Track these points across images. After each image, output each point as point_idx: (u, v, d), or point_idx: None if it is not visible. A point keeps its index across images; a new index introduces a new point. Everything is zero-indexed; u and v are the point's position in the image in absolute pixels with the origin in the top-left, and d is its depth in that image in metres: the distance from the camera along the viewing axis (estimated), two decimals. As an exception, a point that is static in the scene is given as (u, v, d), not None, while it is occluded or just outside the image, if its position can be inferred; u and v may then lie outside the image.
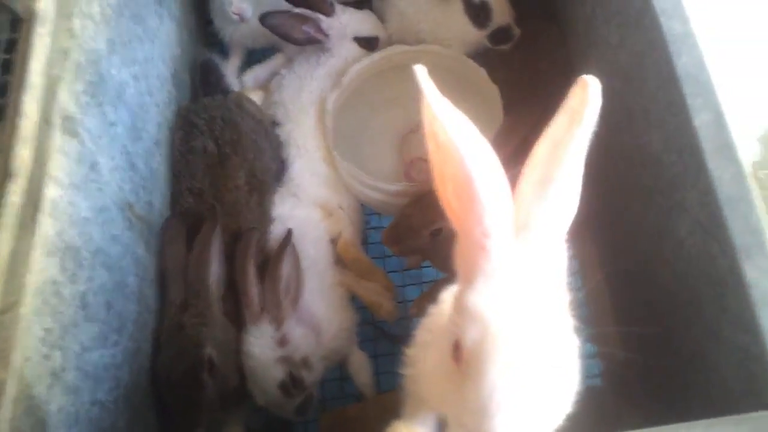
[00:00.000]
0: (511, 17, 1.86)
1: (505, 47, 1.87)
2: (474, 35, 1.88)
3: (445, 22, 1.90)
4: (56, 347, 1.02)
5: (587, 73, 1.64)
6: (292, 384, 1.43)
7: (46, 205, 1.04)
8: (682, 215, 1.25)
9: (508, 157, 1.54)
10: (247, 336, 1.45)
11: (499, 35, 1.87)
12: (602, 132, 1.58)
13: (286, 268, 1.49)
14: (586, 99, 0.88)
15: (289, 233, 1.54)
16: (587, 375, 1.66)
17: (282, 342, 1.45)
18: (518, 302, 0.81)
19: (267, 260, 1.52)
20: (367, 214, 1.92)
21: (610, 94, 1.51)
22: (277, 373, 1.43)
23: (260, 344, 1.44)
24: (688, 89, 1.16)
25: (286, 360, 1.44)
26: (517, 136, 1.58)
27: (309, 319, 1.53)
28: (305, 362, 1.47)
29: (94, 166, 1.22)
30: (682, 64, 1.19)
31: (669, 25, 1.21)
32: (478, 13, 1.85)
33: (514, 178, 1.47)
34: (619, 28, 1.44)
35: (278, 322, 1.46)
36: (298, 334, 1.48)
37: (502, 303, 0.80)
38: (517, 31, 1.86)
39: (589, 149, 1.54)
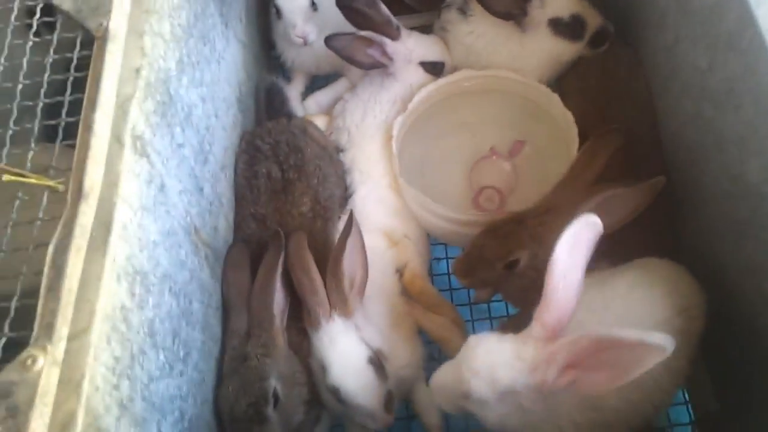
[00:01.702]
0: (601, 17, 1.81)
1: (605, 47, 1.81)
2: (570, 51, 1.82)
3: (523, 52, 1.84)
4: (125, 376, 0.96)
5: (670, 99, 1.57)
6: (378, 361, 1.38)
7: (117, 228, 0.99)
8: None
9: (589, 184, 1.48)
10: (322, 334, 1.40)
11: (598, 38, 1.81)
12: (684, 163, 1.51)
13: (348, 262, 1.42)
14: None
15: (350, 217, 1.46)
16: (674, 423, 1.57)
17: (356, 328, 1.41)
18: None
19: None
20: (432, 244, 1.84)
21: (698, 122, 1.44)
22: (364, 350, 1.38)
23: (338, 332, 1.39)
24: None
25: (365, 342, 1.39)
26: (598, 164, 1.50)
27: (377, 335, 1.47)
28: (379, 353, 1.41)
29: (162, 188, 1.17)
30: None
31: (773, 46, 1.12)
32: (573, 28, 1.79)
33: (590, 211, 1.41)
34: (708, 50, 1.36)
35: (348, 315, 1.41)
36: (368, 328, 1.44)
37: None
38: (612, 28, 1.80)
39: (668, 182, 1.47)
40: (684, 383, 1.33)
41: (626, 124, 1.60)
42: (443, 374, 1.16)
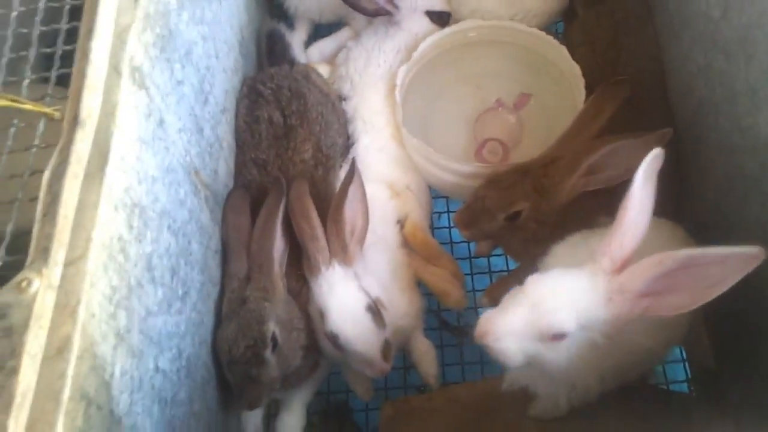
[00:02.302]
0: None
1: None
2: None
3: None
4: (122, 307, 0.95)
5: (680, 51, 1.54)
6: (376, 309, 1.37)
7: (115, 158, 0.97)
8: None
9: (594, 136, 1.46)
10: (321, 281, 1.39)
11: None
12: (692, 117, 1.49)
13: (349, 210, 1.41)
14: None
15: (353, 165, 1.45)
16: (671, 380, 1.57)
17: (356, 276, 1.41)
18: None
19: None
20: (433, 197, 1.83)
21: (708, 74, 1.41)
22: (363, 297, 1.37)
23: (338, 279, 1.39)
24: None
25: (364, 290, 1.39)
26: (603, 116, 1.48)
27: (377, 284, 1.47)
28: (378, 302, 1.40)
29: (161, 123, 1.15)
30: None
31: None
32: None
33: (596, 163, 1.38)
34: (723, -1, 1.33)
35: (348, 263, 1.41)
36: (367, 277, 1.43)
37: None
38: None
39: (675, 137, 1.45)
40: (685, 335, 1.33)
41: (634, 77, 1.58)
42: (509, 319, 1.07)
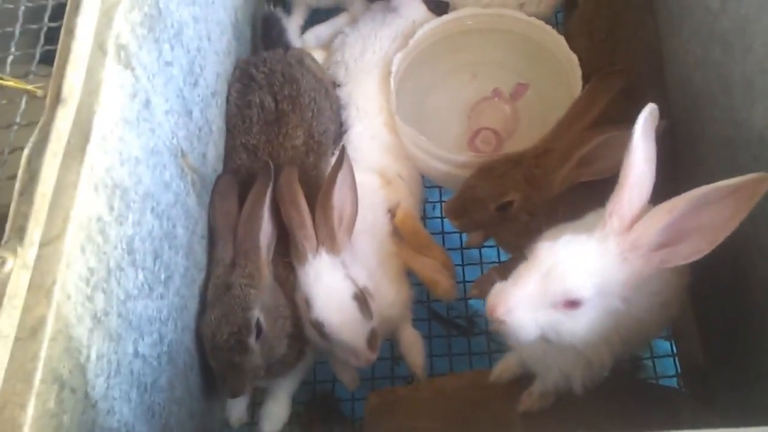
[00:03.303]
0: None
1: None
2: None
3: None
4: (100, 289, 0.93)
5: (679, 43, 1.52)
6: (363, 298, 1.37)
7: (96, 137, 0.95)
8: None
9: (587, 127, 1.44)
10: (308, 269, 1.38)
11: None
12: (689, 109, 1.47)
13: (338, 197, 1.39)
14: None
15: (342, 152, 1.43)
16: (660, 375, 1.56)
17: (343, 264, 1.40)
18: None
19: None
20: (426, 187, 1.81)
21: (705, 66, 1.40)
22: (349, 286, 1.37)
23: (324, 267, 1.38)
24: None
25: (351, 278, 1.38)
26: (597, 107, 1.46)
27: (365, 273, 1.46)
28: (365, 291, 1.39)
29: (147, 104, 1.13)
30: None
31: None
32: None
33: (588, 154, 1.36)
34: (721, -11, 1.32)
35: (335, 252, 1.39)
36: (355, 266, 1.42)
37: None
38: None
39: (671, 129, 1.43)
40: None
41: (631, 68, 1.56)
42: (522, 288, 1.02)
